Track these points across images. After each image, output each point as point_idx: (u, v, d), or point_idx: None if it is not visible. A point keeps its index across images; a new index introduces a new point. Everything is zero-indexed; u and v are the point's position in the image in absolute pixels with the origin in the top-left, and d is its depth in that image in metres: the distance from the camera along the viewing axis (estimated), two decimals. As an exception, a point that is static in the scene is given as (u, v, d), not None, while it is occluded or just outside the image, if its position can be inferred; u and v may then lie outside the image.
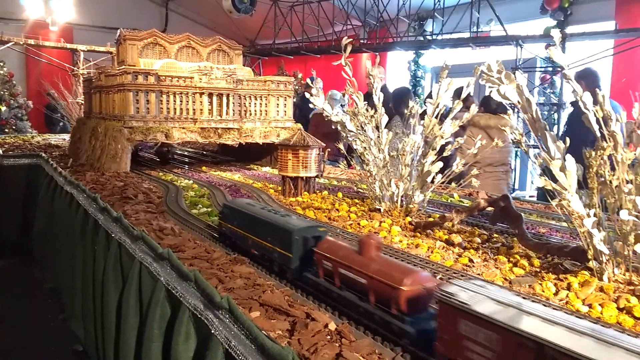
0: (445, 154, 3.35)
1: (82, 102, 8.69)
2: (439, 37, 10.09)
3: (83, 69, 11.59)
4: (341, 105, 7.95)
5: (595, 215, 2.08)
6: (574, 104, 6.05)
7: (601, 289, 2.06)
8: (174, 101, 5.16)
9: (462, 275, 2.22)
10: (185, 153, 7.76)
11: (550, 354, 1.11)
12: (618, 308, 1.90)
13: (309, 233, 2.14)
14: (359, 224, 3.18)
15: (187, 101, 5.22)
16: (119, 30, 5.74)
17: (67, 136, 8.88)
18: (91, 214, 3.29)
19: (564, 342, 1.10)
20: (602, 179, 2.10)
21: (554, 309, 1.66)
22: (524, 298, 1.46)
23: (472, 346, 1.30)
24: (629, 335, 1.35)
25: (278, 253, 2.21)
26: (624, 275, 2.14)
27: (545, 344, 1.12)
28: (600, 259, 2.14)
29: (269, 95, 5.67)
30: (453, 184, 3.40)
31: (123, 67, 5.20)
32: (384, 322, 1.66)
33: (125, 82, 4.96)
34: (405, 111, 3.44)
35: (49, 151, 7.01)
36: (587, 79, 6.01)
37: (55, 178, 4.74)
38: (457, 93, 3.28)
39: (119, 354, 2.59)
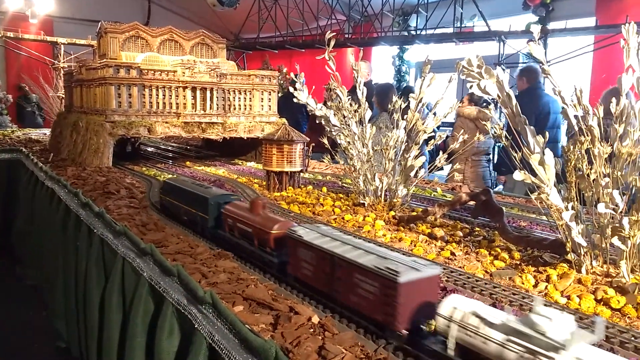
0: (428, 149, 3.38)
1: (63, 96, 8.56)
2: (423, 32, 10.12)
3: (64, 62, 11.39)
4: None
5: (573, 208, 2.12)
6: (517, 97, 6.44)
7: (579, 281, 2.10)
8: (157, 95, 5.11)
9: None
10: (169, 148, 7.70)
11: (337, 261, 1.77)
12: (596, 299, 1.95)
13: (221, 200, 2.65)
14: (343, 218, 3.19)
15: (170, 95, 5.17)
16: (100, 23, 5.66)
17: (47, 131, 8.74)
18: (73, 210, 3.26)
19: (344, 254, 1.75)
20: (580, 173, 2.15)
21: (355, 237, 2.44)
22: (345, 234, 2.02)
23: (304, 264, 1.94)
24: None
25: (200, 216, 2.74)
26: (602, 267, 2.19)
27: (334, 255, 1.78)
28: (579, 251, 2.19)
29: (253, 89, 5.65)
30: (436, 179, 3.42)
31: (104, 60, 5.13)
32: (261, 258, 2.27)
33: (107, 75, 4.90)
34: (389, 106, 3.46)
35: (30, 146, 6.90)
36: (529, 74, 6.66)
37: (36, 173, 4.67)
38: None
39: (102, 351, 2.58)
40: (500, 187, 6.83)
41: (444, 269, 2.27)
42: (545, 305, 1.28)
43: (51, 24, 14.81)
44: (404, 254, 1.98)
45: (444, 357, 1.40)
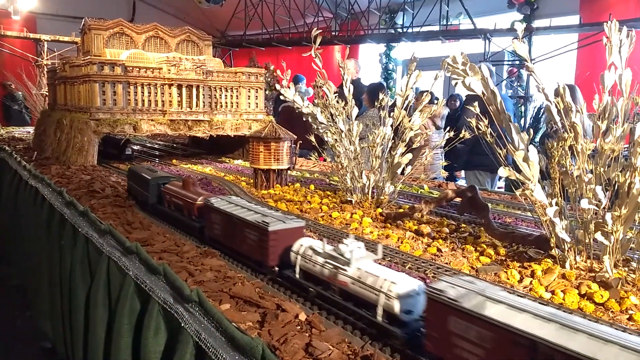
0: (414, 146, 3.39)
1: (47, 93, 8.45)
2: (410, 30, 10.16)
3: (47, 59, 11.25)
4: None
5: (557, 204, 2.15)
6: (472, 97, 6.74)
7: (563, 276, 2.13)
8: (142, 92, 5.07)
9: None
10: (156, 146, 7.64)
11: (234, 221, 2.30)
12: (579, 294, 1.97)
13: (161, 181, 3.17)
14: (330, 215, 3.19)
15: (156, 92, 5.13)
16: (84, 20, 5.59)
17: (31, 129, 8.62)
18: (57, 209, 3.22)
19: (239, 214, 2.29)
20: (564, 169, 2.17)
21: (256, 204, 2.75)
22: (248, 202, 2.42)
23: (215, 225, 2.47)
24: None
25: (145, 195, 3.26)
26: (585, 262, 2.22)
27: (232, 216, 2.30)
28: (563, 247, 2.22)
29: (239, 87, 5.62)
30: (422, 175, 3.44)
31: (88, 57, 5.07)
32: (188, 224, 2.74)
33: (91, 72, 4.84)
34: (376, 103, 3.47)
35: (13, 144, 6.80)
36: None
37: (19, 172, 4.60)
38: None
39: (88, 350, 2.55)
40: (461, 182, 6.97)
41: (430, 265, 2.28)
42: (353, 239, 1.81)
43: (34, 20, 14.62)
44: (285, 214, 2.37)
45: (294, 280, 1.97)
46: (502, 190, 5.26)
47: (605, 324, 1.56)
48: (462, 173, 7.25)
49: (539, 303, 1.40)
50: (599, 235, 2.10)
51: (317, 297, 1.84)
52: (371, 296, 1.61)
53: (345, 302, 1.73)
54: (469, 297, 1.29)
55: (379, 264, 1.82)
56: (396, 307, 1.52)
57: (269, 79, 10.62)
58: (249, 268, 2.23)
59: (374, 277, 1.63)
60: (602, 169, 2.13)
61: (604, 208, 2.09)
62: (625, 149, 2.20)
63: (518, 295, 1.41)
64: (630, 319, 1.80)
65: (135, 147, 7.19)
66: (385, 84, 13.46)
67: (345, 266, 1.73)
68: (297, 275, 1.95)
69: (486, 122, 2.24)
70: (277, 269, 2.06)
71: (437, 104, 3.36)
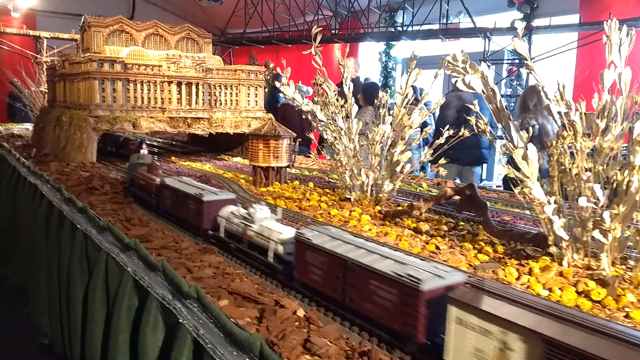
0: (413, 144, 3.39)
1: (46, 90, 8.43)
2: (409, 29, 10.15)
3: (46, 56, 11.22)
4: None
5: (555, 202, 2.15)
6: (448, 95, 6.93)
7: (561, 274, 2.13)
8: (142, 90, 5.06)
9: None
10: (155, 143, 7.63)
11: (180, 195, 2.79)
12: (577, 292, 1.98)
13: (137, 167, 3.52)
14: (329, 213, 3.20)
15: (155, 90, 5.13)
16: (83, 17, 5.58)
17: (30, 126, 8.61)
18: (56, 205, 3.22)
19: (185, 190, 2.75)
20: (563, 167, 2.17)
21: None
22: (194, 181, 2.96)
23: (167, 201, 2.98)
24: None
25: (127, 180, 3.72)
26: (583, 260, 2.22)
27: (179, 191, 2.77)
28: (560, 244, 2.22)
29: (239, 84, 5.62)
30: (421, 173, 3.45)
31: (88, 54, 5.06)
32: (149, 202, 3.18)
33: (91, 70, 4.84)
34: (376, 101, 3.47)
35: (12, 141, 6.79)
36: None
37: (18, 169, 4.60)
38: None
39: (86, 347, 2.55)
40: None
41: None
42: (261, 205, 2.32)
43: (34, 17, 14.59)
44: (221, 190, 2.82)
45: (220, 238, 2.46)
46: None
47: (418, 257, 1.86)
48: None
49: (365, 239, 1.96)
50: (597, 233, 2.10)
51: (237, 251, 2.33)
52: (266, 244, 2.12)
53: (252, 251, 2.22)
54: (318, 238, 1.84)
55: (279, 222, 2.27)
56: (280, 249, 2.04)
57: (269, 77, 10.60)
58: (190, 232, 2.71)
59: (268, 230, 2.14)
60: (600, 168, 2.13)
61: (602, 206, 2.10)
62: (624, 148, 2.20)
63: (365, 239, 2.00)
64: (627, 316, 1.80)
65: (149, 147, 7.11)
66: (383, 83, 13.48)
67: (251, 224, 2.25)
68: (222, 235, 2.45)
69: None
70: (210, 232, 2.54)
71: (415, 104, 3.37)
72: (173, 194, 2.86)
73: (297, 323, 1.64)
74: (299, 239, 1.88)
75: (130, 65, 4.99)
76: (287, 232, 2.05)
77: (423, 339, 1.39)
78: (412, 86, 3.24)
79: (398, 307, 1.44)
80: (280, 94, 3.70)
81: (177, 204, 2.82)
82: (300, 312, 1.70)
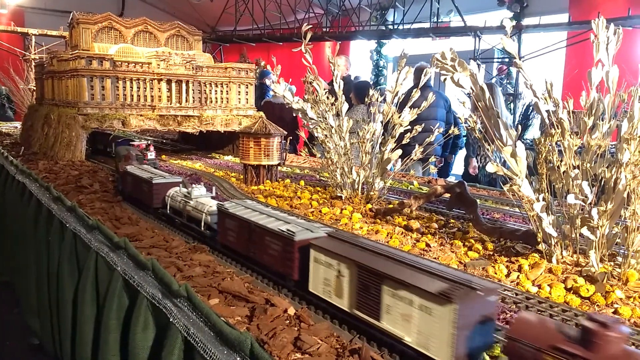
0: (404, 142, 3.40)
1: (34, 88, 8.35)
2: (400, 27, 10.17)
3: (35, 53, 11.11)
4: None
5: (544, 199, 2.17)
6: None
7: (550, 270, 2.15)
8: (131, 87, 5.02)
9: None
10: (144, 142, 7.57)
11: (137, 179, 3.20)
12: (566, 288, 2.00)
13: (122, 152, 3.93)
14: (320, 211, 3.20)
15: (145, 88, 5.09)
16: (72, 14, 5.52)
17: (18, 124, 8.52)
18: (44, 204, 3.19)
19: (138, 174, 3.20)
20: (551, 165, 2.19)
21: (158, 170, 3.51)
22: (153, 168, 3.42)
23: (128, 185, 3.42)
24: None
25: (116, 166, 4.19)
26: (572, 257, 2.24)
27: (136, 176, 3.18)
28: (549, 241, 2.24)
29: (230, 82, 5.59)
30: (412, 171, 3.46)
31: (76, 51, 5.02)
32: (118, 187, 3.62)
33: (79, 67, 4.79)
34: (366, 99, 3.47)
35: (0, 140, 6.72)
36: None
37: (6, 167, 4.55)
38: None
39: (76, 346, 2.53)
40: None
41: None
42: (199, 185, 2.79)
43: (22, 14, 14.43)
44: (169, 173, 3.33)
45: (167, 214, 2.90)
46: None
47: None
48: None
49: (273, 209, 2.46)
50: (585, 230, 2.12)
51: (182, 225, 2.74)
52: (199, 216, 2.55)
53: (190, 222, 2.66)
54: (234, 208, 2.28)
55: (213, 199, 2.67)
56: (209, 219, 2.47)
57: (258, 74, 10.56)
58: (143, 210, 3.16)
59: (202, 204, 2.57)
60: (588, 165, 2.15)
61: (590, 203, 2.12)
62: (612, 146, 2.23)
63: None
64: (615, 312, 1.82)
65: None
66: (375, 82, 13.49)
67: (189, 200, 2.68)
68: (168, 211, 2.89)
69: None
70: (160, 210, 2.97)
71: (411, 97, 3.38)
72: (131, 179, 3.33)
73: (287, 321, 1.64)
74: (220, 209, 2.33)
75: (120, 63, 4.95)
76: (215, 205, 2.45)
77: (297, 277, 1.85)
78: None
79: (281, 254, 1.92)
80: (271, 92, 3.69)
81: (134, 187, 3.29)
82: (291, 311, 1.70)
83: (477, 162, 6.15)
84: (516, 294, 1.94)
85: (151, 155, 4.24)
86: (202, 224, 2.50)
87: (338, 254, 1.64)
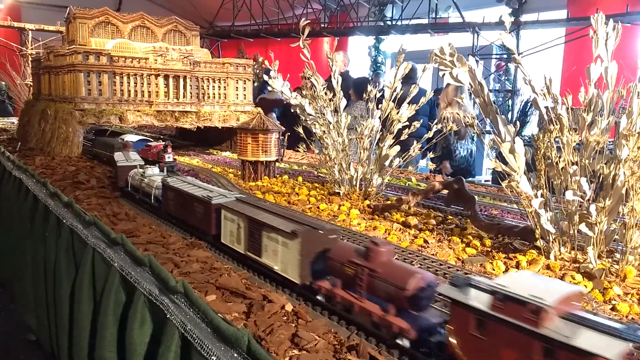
0: (402, 138, 3.39)
1: (31, 83, 8.31)
2: (399, 23, 10.14)
3: (31, 49, 11.05)
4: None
5: (542, 195, 2.16)
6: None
7: (548, 267, 2.15)
8: (128, 83, 5.00)
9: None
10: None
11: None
12: (563, 284, 1.99)
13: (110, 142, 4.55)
14: (318, 207, 3.19)
15: (142, 83, 5.07)
16: (69, 8, 5.49)
17: (15, 119, 8.49)
18: (41, 200, 3.17)
19: (118, 160, 3.61)
20: (549, 161, 2.19)
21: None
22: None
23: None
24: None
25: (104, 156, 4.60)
26: (570, 253, 2.24)
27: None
28: (547, 238, 2.24)
29: (227, 78, 5.57)
30: (410, 167, 3.45)
31: (73, 46, 4.99)
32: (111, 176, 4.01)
33: (76, 62, 4.77)
34: (365, 95, 3.46)
35: (-4, 135, 6.69)
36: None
37: (3, 163, 4.53)
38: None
39: (73, 342, 2.53)
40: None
41: (417, 256, 2.29)
42: (153, 166, 3.30)
43: (19, 9, 14.35)
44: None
45: (127, 191, 3.32)
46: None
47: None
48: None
49: (207, 183, 3.00)
50: (583, 227, 2.12)
51: (139, 200, 3.18)
52: (150, 190, 3.01)
53: (144, 197, 3.09)
54: (174, 182, 2.78)
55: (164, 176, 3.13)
56: (157, 193, 2.94)
57: (257, 71, 10.52)
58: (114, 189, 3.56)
59: (152, 181, 3.03)
60: (587, 161, 2.15)
61: (588, 200, 2.11)
62: (610, 142, 2.22)
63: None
64: (613, 309, 1.82)
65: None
66: (371, 76, 13.45)
67: (145, 178, 3.13)
68: (129, 189, 3.29)
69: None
70: (123, 189, 3.41)
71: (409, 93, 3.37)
72: (113, 164, 3.82)
73: (285, 317, 1.63)
74: (164, 183, 2.86)
75: (117, 58, 4.93)
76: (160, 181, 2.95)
77: (214, 231, 2.36)
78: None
79: (203, 215, 2.45)
80: (269, 87, 3.68)
81: (112, 169, 3.89)
82: (289, 307, 1.70)
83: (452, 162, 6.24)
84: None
85: (169, 157, 3.87)
86: (152, 197, 3.01)
87: (238, 212, 2.15)
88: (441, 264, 2.19)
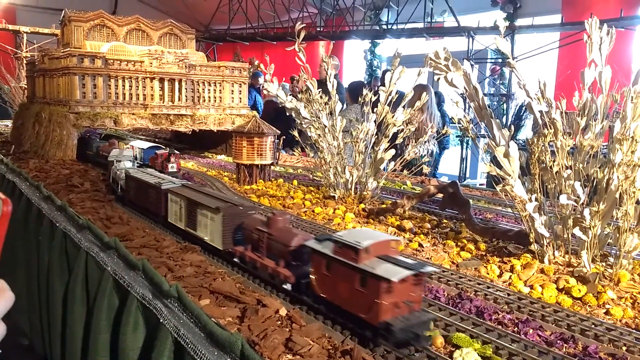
0: (397, 142, 3.40)
1: (26, 86, 8.27)
2: (394, 27, 10.18)
3: (26, 51, 11.01)
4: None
5: (536, 199, 2.17)
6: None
7: (542, 271, 2.15)
8: (123, 86, 4.99)
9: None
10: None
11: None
12: (558, 288, 2.00)
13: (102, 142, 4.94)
14: (313, 211, 3.19)
15: (137, 86, 5.05)
16: (64, 11, 5.48)
17: (9, 122, 8.44)
18: (34, 203, 3.15)
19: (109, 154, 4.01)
20: (544, 165, 2.19)
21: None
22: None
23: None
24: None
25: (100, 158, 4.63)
26: (564, 257, 2.25)
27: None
28: (542, 242, 2.24)
29: (223, 81, 5.57)
30: (405, 172, 3.45)
31: (68, 49, 4.97)
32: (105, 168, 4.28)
33: (71, 65, 4.75)
34: (360, 99, 3.47)
35: (-11, 138, 6.65)
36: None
37: (-4, 166, 4.50)
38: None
39: (66, 347, 2.51)
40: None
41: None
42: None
43: (14, 12, 14.32)
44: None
45: (109, 182, 3.64)
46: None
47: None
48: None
49: (166, 174, 3.35)
50: (577, 231, 2.12)
51: (114, 190, 3.51)
52: (121, 174, 3.34)
53: (115, 186, 3.44)
54: (136, 173, 3.14)
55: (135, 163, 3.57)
56: (123, 183, 3.25)
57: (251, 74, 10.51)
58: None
59: (121, 172, 3.33)
60: (581, 165, 2.15)
61: (582, 204, 2.12)
62: (604, 146, 2.23)
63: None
64: (607, 313, 1.82)
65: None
66: (368, 81, 13.49)
67: (117, 171, 3.44)
68: (111, 181, 3.59)
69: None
70: (107, 182, 3.70)
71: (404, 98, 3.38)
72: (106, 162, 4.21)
73: (279, 322, 1.62)
74: (127, 174, 3.22)
75: (112, 61, 4.91)
76: (131, 166, 3.44)
77: (163, 213, 2.76)
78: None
79: (155, 199, 2.84)
80: (264, 90, 3.67)
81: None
82: (283, 311, 1.69)
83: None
84: (508, 294, 1.94)
85: (172, 167, 3.63)
86: (119, 186, 3.34)
87: (180, 194, 2.58)
88: (436, 269, 2.19)
